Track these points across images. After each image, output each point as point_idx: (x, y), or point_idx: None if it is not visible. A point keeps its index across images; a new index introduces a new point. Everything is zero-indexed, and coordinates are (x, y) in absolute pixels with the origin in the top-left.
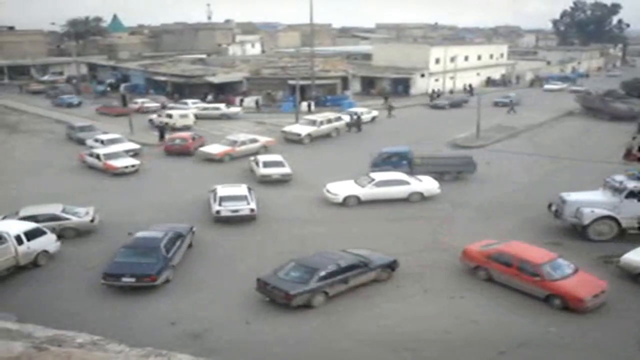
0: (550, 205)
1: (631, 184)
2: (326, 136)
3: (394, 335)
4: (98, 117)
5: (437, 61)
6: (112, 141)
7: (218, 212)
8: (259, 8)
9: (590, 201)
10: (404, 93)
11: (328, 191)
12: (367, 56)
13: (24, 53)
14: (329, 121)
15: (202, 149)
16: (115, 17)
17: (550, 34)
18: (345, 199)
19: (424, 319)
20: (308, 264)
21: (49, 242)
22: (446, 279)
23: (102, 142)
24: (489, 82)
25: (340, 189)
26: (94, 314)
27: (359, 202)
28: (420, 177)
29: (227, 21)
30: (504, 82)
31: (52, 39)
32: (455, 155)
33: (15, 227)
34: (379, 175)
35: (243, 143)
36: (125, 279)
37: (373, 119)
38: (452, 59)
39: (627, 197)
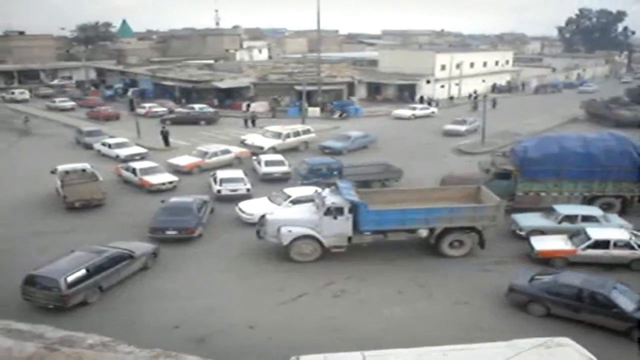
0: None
1: (330, 200)
2: (294, 150)
3: (399, 340)
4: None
5: (443, 67)
6: (119, 145)
7: (219, 191)
8: (267, 14)
9: (292, 219)
10: (410, 99)
11: (241, 210)
12: (373, 62)
13: (34, 58)
14: (297, 134)
15: (170, 160)
16: (124, 22)
17: (556, 41)
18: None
19: (428, 325)
20: (548, 272)
21: None
22: (448, 284)
23: (109, 145)
24: (495, 88)
25: (255, 208)
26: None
27: None
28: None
29: (235, 27)
30: (509, 88)
31: (62, 43)
32: (375, 164)
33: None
34: (294, 192)
35: (214, 154)
36: (168, 232)
37: None
38: (458, 66)
39: (325, 214)
